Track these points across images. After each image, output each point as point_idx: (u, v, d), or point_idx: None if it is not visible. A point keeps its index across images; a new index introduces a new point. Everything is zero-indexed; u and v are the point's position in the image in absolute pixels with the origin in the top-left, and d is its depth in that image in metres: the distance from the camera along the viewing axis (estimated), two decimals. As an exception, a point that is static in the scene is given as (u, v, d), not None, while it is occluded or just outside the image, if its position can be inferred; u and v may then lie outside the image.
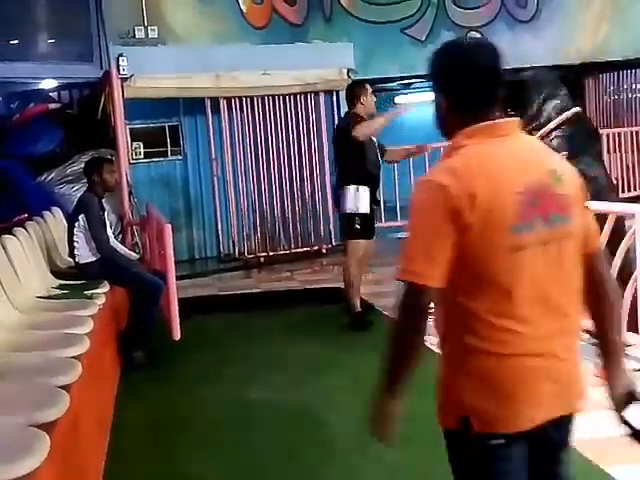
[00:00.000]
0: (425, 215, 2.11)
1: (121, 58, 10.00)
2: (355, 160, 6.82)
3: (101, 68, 10.22)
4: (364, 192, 6.88)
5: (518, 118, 2.23)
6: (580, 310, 2.22)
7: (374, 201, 7.05)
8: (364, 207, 6.91)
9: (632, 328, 5.34)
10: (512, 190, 2.08)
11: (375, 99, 7.08)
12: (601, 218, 5.21)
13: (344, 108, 11.34)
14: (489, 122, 2.15)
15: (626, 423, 2.15)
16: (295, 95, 11.23)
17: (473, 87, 2.17)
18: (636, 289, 5.44)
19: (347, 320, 7.08)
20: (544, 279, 2.11)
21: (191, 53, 10.54)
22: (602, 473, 3.94)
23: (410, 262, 2.10)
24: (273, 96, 11.09)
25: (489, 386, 2.10)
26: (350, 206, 6.89)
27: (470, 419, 2.11)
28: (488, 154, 2.13)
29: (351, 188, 6.87)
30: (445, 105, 2.24)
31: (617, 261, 5.48)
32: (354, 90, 7.07)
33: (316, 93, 11.30)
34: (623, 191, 13.45)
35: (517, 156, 2.14)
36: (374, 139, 6.98)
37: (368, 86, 7.09)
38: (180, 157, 11.28)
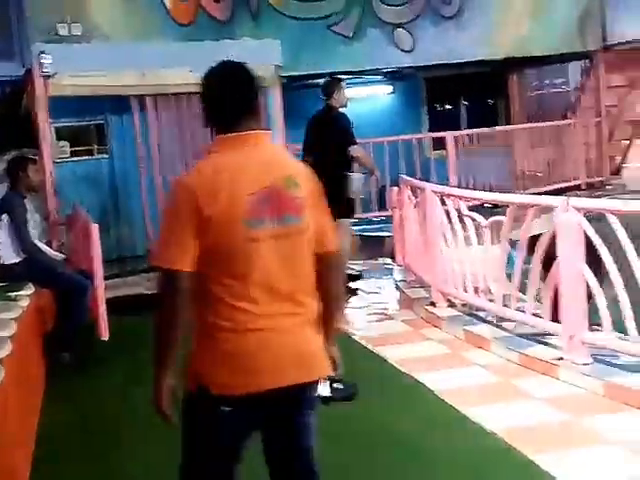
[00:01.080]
0: (174, 209, 2.50)
1: (44, 55, 9.81)
2: (340, 147, 7.83)
3: (23, 66, 10.02)
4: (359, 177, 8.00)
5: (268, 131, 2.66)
6: (313, 298, 2.57)
7: None
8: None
9: (554, 318, 5.47)
10: (247, 191, 2.46)
11: (346, 95, 8.18)
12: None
13: (273, 105, 11.40)
14: (235, 134, 2.54)
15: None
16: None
17: (215, 108, 2.60)
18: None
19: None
20: (274, 268, 2.48)
21: (116, 50, 10.38)
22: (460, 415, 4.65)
23: (162, 250, 2.49)
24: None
25: (226, 356, 2.46)
26: (355, 190, 7.92)
27: (208, 385, 2.46)
28: (231, 160, 2.52)
29: (356, 175, 7.93)
30: (204, 118, 2.66)
31: (539, 251, 5.60)
32: (329, 86, 8.18)
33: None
34: (547, 184, 13.73)
35: (257, 163, 2.53)
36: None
37: (342, 83, 8.26)
38: (106, 156, 11.15)
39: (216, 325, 2.47)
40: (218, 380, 2.47)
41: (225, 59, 2.68)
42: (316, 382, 2.58)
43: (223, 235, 2.44)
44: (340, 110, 8.07)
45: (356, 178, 7.93)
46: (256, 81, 2.63)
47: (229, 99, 2.58)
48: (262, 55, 11.17)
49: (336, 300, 2.69)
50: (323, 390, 2.62)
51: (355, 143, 7.90)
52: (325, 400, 2.59)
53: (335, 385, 2.65)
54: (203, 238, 2.43)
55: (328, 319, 2.66)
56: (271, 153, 2.62)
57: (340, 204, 7.76)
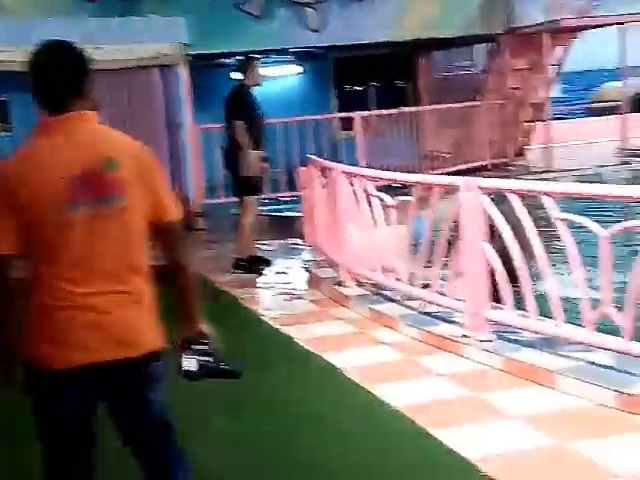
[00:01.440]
0: None
1: (-59, 30, 9.50)
2: (246, 124, 8.00)
3: None
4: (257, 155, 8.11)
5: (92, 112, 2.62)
6: (141, 276, 2.61)
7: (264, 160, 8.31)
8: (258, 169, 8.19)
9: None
10: (62, 174, 2.48)
11: (260, 73, 8.34)
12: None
13: (180, 83, 11.27)
14: (55, 117, 2.55)
15: (180, 366, 2.67)
16: (129, 70, 10.98)
17: (38, 90, 2.59)
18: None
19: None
20: (95, 248, 2.52)
21: (19, 26, 10.12)
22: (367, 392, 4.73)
23: None
24: (106, 70, 10.79)
25: (46, 331, 2.53)
26: (252, 168, 8.04)
27: (34, 359, 2.55)
28: (48, 143, 2.54)
29: (253, 152, 8.03)
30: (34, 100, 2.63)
31: (444, 230, 5.69)
32: (242, 65, 8.33)
33: (150, 68, 11.10)
34: (454, 165, 13.96)
35: (75, 145, 2.53)
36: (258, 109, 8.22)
37: (256, 62, 8.38)
38: (10, 133, 10.87)
39: (40, 303, 2.55)
40: (40, 353, 2.55)
41: (52, 38, 2.64)
42: (147, 357, 2.60)
43: (38, 218, 2.49)
44: (250, 88, 8.24)
45: (252, 156, 8.03)
46: (84, 61, 2.60)
47: (51, 80, 2.57)
48: (168, 32, 11.05)
49: (184, 269, 2.70)
50: (189, 365, 2.66)
51: (240, 118, 7.99)
52: (190, 375, 2.62)
53: (222, 365, 2.66)
54: (21, 221, 2.49)
55: (183, 290, 2.71)
56: (92, 135, 2.60)
57: (240, 181, 8.23)
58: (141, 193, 2.59)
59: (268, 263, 8.59)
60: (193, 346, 2.69)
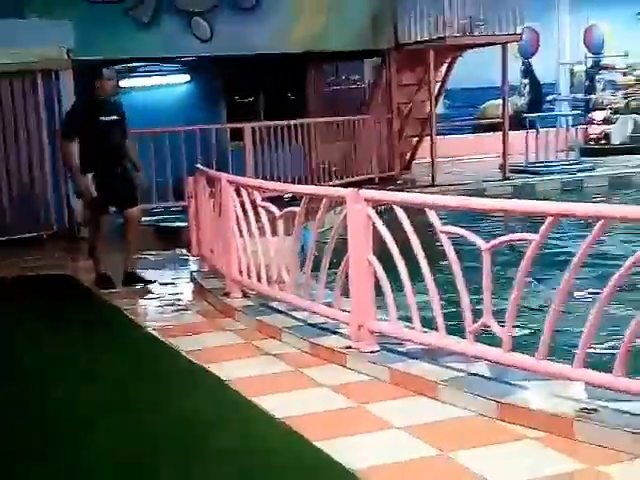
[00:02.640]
0: None
1: None
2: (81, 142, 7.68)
3: None
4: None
5: None
6: None
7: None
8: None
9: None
10: None
11: (113, 82, 7.93)
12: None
13: (65, 89, 10.99)
14: None
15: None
16: (11, 74, 10.66)
17: None
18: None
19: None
20: None
21: None
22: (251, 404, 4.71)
23: None
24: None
25: None
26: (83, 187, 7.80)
27: None
28: None
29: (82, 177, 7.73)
30: None
31: (331, 241, 5.70)
32: (91, 75, 7.86)
33: (33, 72, 10.79)
34: (342, 177, 14.08)
35: None
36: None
37: (105, 71, 7.84)
38: None
39: None
40: None
41: None
42: None
43: None
44: (102, 99, 7.86)
45: (81, 179, 7.74)
46: None
47: None
48: (52, 36, 10.76)
49: None
50: None
51: (66, 135, 7.78)
52: None
53: None
54: None
55: None
56: None
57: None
58: None
59: (111, 284, 8.10)
60: None
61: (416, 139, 16.67)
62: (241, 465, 3.99)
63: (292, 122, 13.70)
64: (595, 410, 4.08)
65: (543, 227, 4.26)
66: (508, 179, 15.55)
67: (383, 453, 4.05)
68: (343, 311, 5.65)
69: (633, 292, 6.69)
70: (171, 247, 10.01)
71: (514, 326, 4.59)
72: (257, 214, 6.76)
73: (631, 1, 21.20)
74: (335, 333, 5.77)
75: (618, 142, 18.97)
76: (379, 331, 5.36)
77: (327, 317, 5.90)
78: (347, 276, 5.50)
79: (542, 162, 16.48)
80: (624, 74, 20.29)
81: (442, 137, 17.55)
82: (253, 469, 3.94)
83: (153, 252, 9.56)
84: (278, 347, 5.89)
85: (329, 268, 5.75)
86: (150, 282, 8.24)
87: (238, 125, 13.27)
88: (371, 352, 5.28)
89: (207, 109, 15.85)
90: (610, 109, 19.55)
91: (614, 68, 20.63)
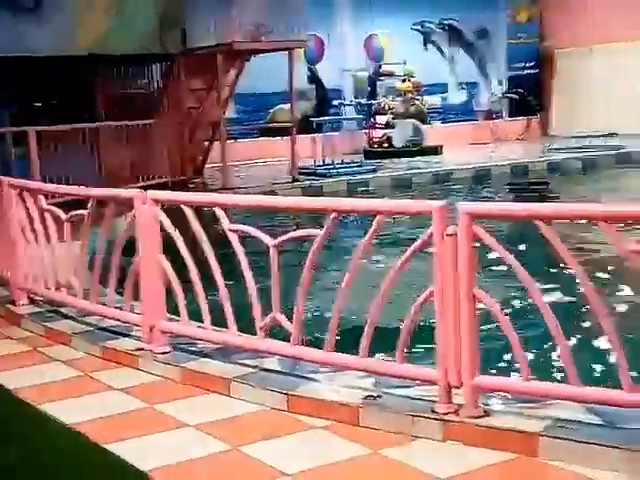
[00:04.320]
0: None
1: None
2: None
3: None
4: None
5: None
6: None
7: None
8: None
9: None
10: None
11: None
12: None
13: None
14: None
15: None
16: None
17: None
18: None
19: None
20: None
21: None
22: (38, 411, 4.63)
23: None
24: None
25: None
26: None
27: None
28: None
29: None
30: None
31: (119, 244, 5.64)
32: None
33: None
34: (134, 182, 13.88)
35: None
36: None
37: None
38: None
39: None
40: None
41: None
42: None
43: None
44: None
45: None
46: None
47: None
48: None
49: None
50: None
51: None
52: None
53: None
54: None
55: None
56: None
57: None
58: None
59: None
60: None
61: (207, 143, 16.71)
62: (29, 467, 3.90)
63: (79, 126, 13.35)
64: (379, 397, 4.29)
65: (327, 223, 4.42)
66: (297, 181, 15.89)
67: (174, 452, 4.06)
68: (134, 313, 5.60)
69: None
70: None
71: (305, 320, 4.71)
72: (43, 218, 6.57)
73: (408, 13, 22.33)
74: (127, 336, 5.72)
75: (399, 145, 19.88)
76: (170, 331, 5.36)
77: (119, 320, 5.83)
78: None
79: (329, 164, 16.96)
80: (403, 81, 21.29)
81: (233, 141, 17.71)
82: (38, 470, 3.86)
83: None
84: (68, 353, 5.75)
85: (123, 271, 5.68)
86: None
87: (22, 129, 12.76)
88: (163, 353, 5.28)
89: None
90: (391, 114, 20.42)
91: (393, 74, 21.59)
